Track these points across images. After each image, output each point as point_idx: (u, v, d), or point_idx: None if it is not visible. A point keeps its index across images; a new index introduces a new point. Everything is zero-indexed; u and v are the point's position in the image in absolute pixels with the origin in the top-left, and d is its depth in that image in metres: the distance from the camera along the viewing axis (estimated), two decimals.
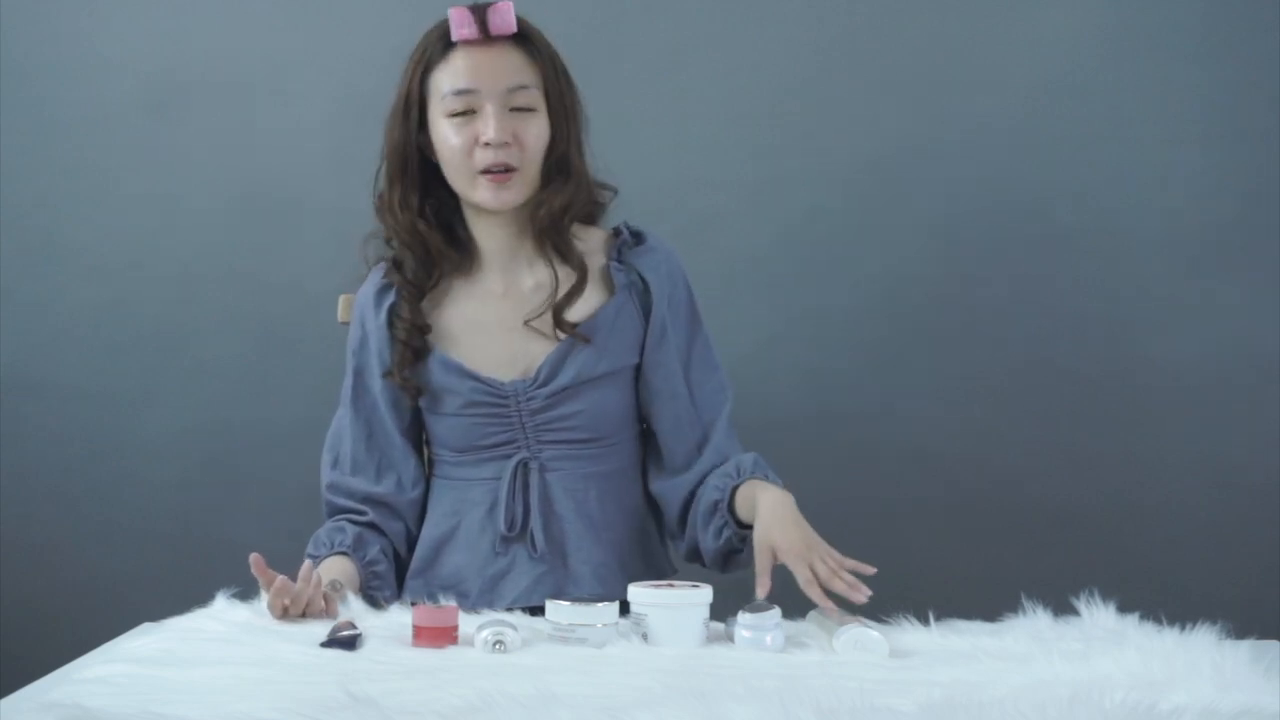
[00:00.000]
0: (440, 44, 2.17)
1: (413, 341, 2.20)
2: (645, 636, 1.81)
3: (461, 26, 2.15)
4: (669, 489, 2.23)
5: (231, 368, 2.99)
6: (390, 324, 2.23)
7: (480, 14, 2.16)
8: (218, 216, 2.99)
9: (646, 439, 2.28)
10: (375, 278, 2.27)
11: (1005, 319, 2.91)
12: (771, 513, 2.04)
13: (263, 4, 2.98)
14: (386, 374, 2.22)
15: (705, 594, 1.85)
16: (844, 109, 2.92)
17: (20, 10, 2.98)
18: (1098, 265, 2.90)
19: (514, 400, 2.19)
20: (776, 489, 2.10)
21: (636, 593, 1.84)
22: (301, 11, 2.98)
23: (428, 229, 2.21)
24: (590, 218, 2.25)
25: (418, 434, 2.28)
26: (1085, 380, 2.90)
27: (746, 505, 2.12)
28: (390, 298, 2.24)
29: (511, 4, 2.16)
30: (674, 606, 1.83)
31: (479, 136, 2.14)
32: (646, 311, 2.22)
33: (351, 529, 2.18)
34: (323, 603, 1.96)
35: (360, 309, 2.28)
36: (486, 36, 2.16)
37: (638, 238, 2.25)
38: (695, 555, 2.23)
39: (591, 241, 2.24)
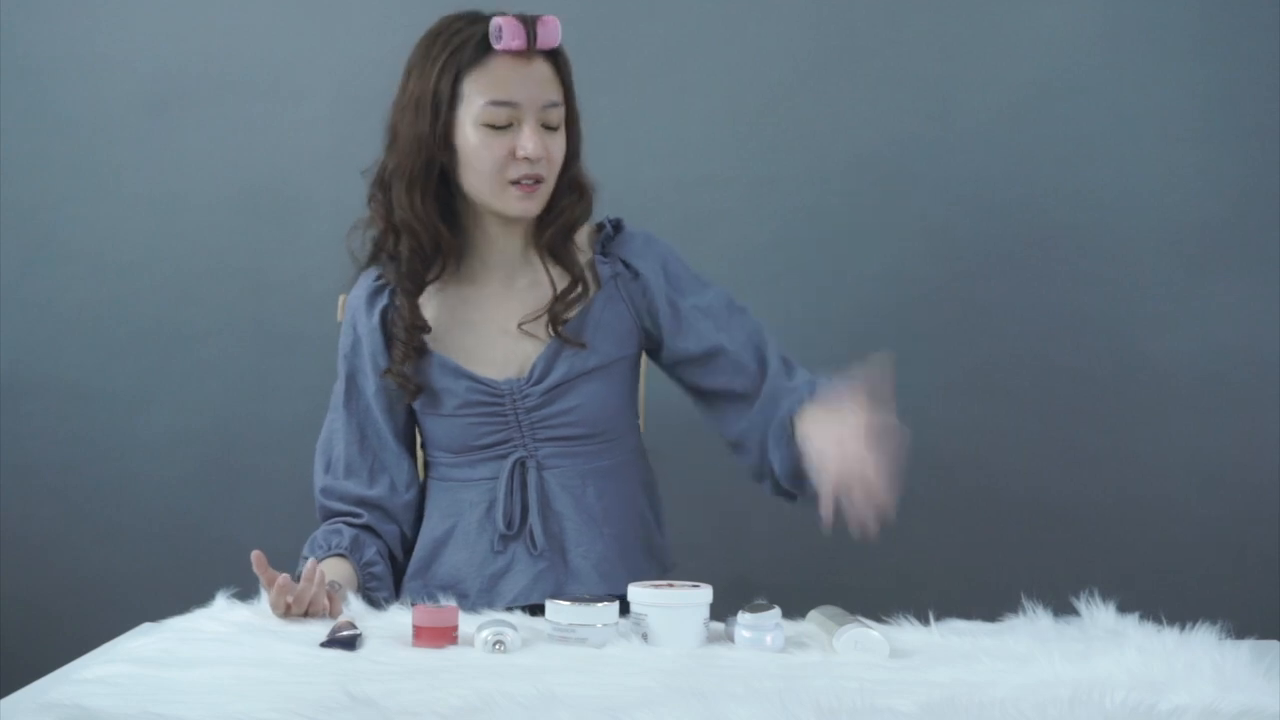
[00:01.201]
0: (478, 48, 2.15)
1: (413, 340, 2.20)
2: (645, 636, 1.81)
3: (513, 38, 2.13)
4: (748, 428, 2.21)
5: (231, 368, 2.99)
6: (384, 325, 2.23)
7: (531, 26, 2.14)
8: (218, 216, 2.99)
9: (705, 399, 2.26)
10: (366, 280, 2.27)
11: (1005, 319, 2.91)
12: (822, 439, 2.02)
13: (263, 4, 2.98)
14: (386, 372, 2.22)
15: (705, 594, 1.85)
16: (843, 108, 2.92)
17: (20, 10, 2.98)
18: (1097, 265, 2.90)
19: (509, 399, 2.19)
20: (826, 414, 2.07)
21: (636, 593, 1.84)
22: (301, 11, 2.98)
23: (444, 229, 2.21)
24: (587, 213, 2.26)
25: (411, 437, 2.28)
26: (1085, 379, 2.90)
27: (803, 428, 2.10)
28: (383, 300, 2.23)
29: (558, 19, 2.16)
30: (674, 606, 1.83)
31: (516, 150, 2.14)
32: (635, 299, 2.23)
33: (348, 531, 2.18)
34: (326, 601, 1.96)
35: (351, 312, 2.27)
36: (532, 49, 2.15)
37: (617, 228, 2.26)
38: (778, 487, 2.22)
39: (578, 238, 2.25)
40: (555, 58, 2.18)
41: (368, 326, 2.23)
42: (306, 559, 2.14)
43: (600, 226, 2.26)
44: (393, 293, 2.23)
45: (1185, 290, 2.89)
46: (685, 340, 2.23)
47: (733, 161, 2.93)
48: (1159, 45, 2.88)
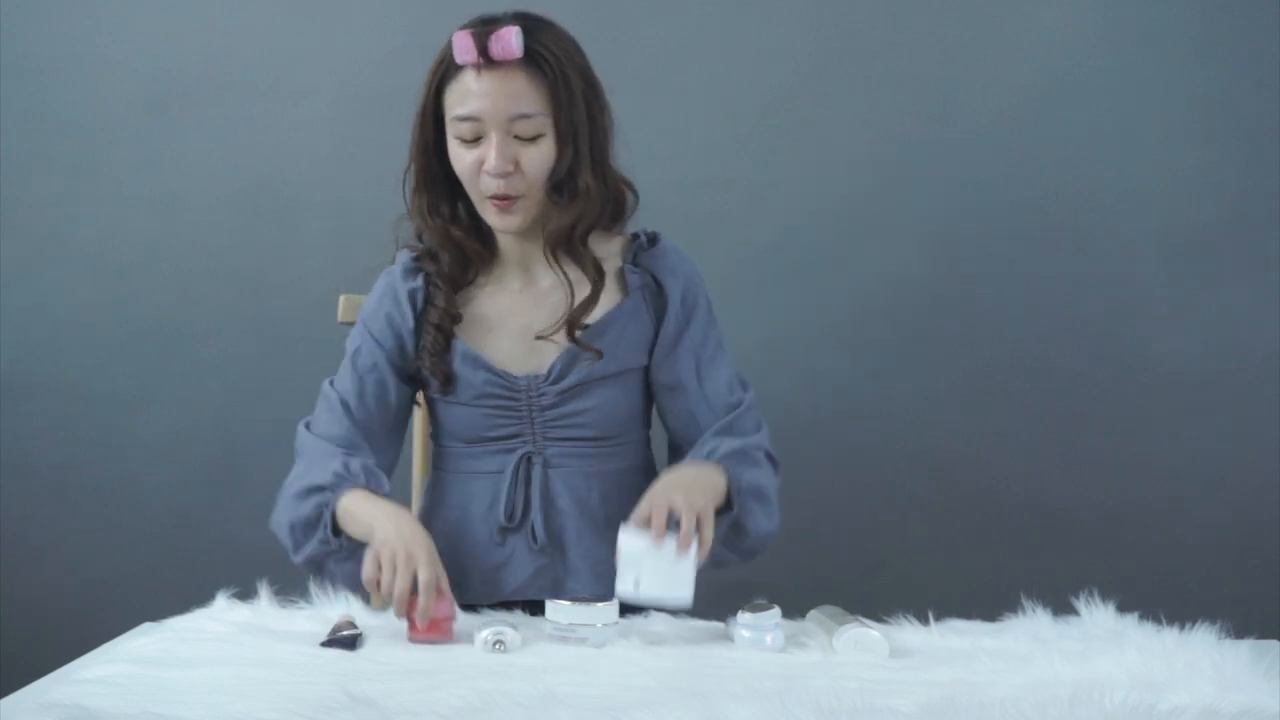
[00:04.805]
0: (452, 60, 2.14)
1: (444, 326, 2.20)
2: (637, 584, 1.83)
3: (465, 53, 2.10)
4: None
5: (231, 368, 2.99)
6: (412, 305, 2.23)
7: (482, 39, 2.10)
8: (218, 216, 2.99)
9: (666, 427, 2.27)
10: (404, 259, 2.27)
11: (1005, 319, 2.91)
12: (676, 472, 2.07)
13: (263, 4, 2.98)
14: (418, 359, 2.22)
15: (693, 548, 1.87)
16: (844, 110, 2.92)
17: (20, 10, 2.99)
18: (1098, 265, 2.90)
19: (525, 394, 2.20)
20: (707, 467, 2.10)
21: (627, 539, 1.88)
22: (301, 11, 2.98)
23: (462, 235, 2.21)
24: (616, 219, 2.24)
25: (400, 424, 2.27)
26: (1085, 380, 2.90)
27: None
28: (415, 281, 2.23)
29: (516, 28, 2.09)
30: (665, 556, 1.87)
31: (483, 163, 2.14)
32: (658, 313, 2.23)
33: (353, 463, 2.14)
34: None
35: (385, 287, 2.26)
36: (489, 62, 2.12)
37: (653, 240, 2.26)
38: None
39: (610, 247, 2.25)
40: (536, 66, 2.11)
41: (392, 301, 2.23)
42: (326, 500, 2.11)
43: (635, 237, 2.26)
44: (427, 277, 2.23)
45: (1186, 292, 2.89)
46: (665, 369, 2.23)
47: (733, 164, 2.93)
48: (1159, 46, 2.88)
